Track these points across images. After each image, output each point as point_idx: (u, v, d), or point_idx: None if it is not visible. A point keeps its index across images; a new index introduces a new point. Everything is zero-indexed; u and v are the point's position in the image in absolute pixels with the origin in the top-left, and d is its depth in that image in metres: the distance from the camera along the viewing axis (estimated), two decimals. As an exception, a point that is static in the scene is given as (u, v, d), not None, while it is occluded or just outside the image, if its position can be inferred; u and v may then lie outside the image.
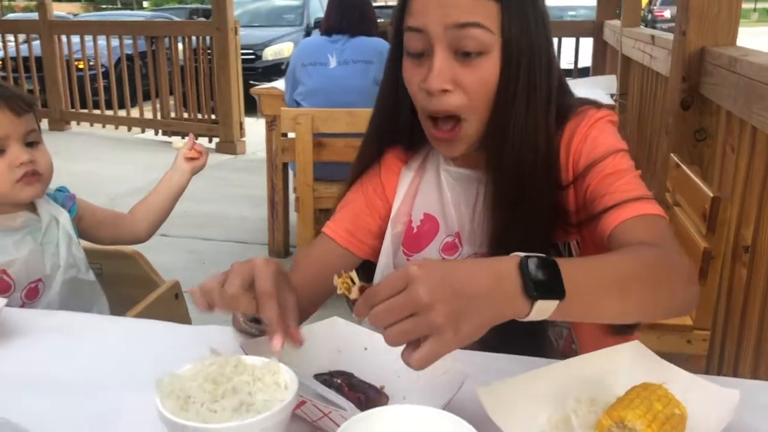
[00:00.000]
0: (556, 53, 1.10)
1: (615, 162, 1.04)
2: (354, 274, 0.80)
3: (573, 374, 0.87)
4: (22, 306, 1.38)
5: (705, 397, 0.81)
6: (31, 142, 1.40)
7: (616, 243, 0.98)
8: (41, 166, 1.40)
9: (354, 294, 0.78)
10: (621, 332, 1.10)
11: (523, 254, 0.76)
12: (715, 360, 2.23)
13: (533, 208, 1.05)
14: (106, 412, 0.90)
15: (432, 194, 1.20)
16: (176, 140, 1.83)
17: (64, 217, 1.46)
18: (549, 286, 0.74)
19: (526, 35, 1.01)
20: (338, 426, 0.77)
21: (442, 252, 1.19)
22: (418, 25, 1.01)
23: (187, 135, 6.02)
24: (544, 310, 0.74)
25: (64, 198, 1.51)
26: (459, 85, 1.01)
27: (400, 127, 1.17)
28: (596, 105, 1.12)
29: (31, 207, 1.44)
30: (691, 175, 2.00)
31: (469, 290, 0.72)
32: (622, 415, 0.74)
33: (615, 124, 1.11)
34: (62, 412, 0.90)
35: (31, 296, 1.41)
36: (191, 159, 1.66)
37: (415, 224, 1.21)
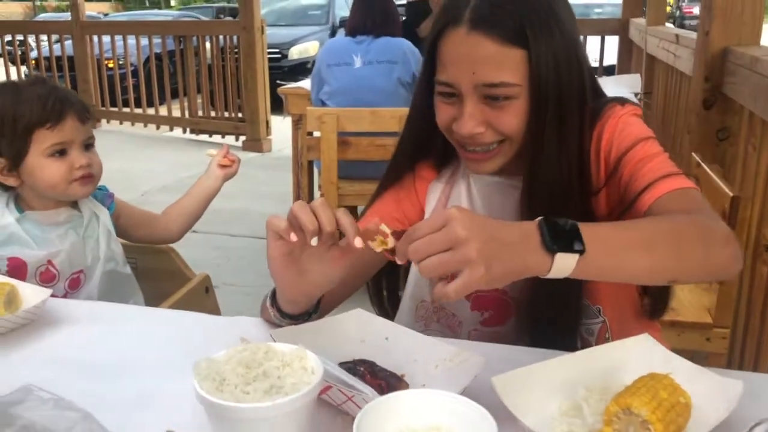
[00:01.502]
0: (588, 70, 1.12)
1: (644, 149, 1.07)
2: (385, 227, 0.88)
3: (584, 365, 0.91)
4: (65, 295, 1.48)
5: (709, 387, 0.85)
6: (87, 146, 1.50)
7: None
8: (95, 168, 1.50)
9: (391, 243, 0.87)
10: (653, 313, 1.18)
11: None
12: (736, 358, 2.24)
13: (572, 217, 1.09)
14: (143, 394, 0.96)
15: (463, 199, 1.23)
16: (210, 150, 1.92)
17: (105, 214, 1.56)
18: (567, 241, 0.80)
19: (554, 72, 1.04)
20: (360, 409, 0.82)
21: None
22: (449, 81, 1.07)
23: (214, 133, 6.05)
24: (564, 264, 0.80)
25: (104, 196, 1.60)
26: (490, 125, 1.06)
27: (432, 145, 1.22)
28: (621, 102, 1.14)
29: (74, 204, 1.53)
30: (712, 175, 2.02)
31: (501, 236, 0.79)
32: (628, 402, 0.78)
33: (639, 116, 1.13)
34: (106, 392, 0.97)
35: (74, 286, 1.50)
36: (224, 166, 1.74)
37: None
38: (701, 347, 2.00)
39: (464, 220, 0.78)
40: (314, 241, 0.94)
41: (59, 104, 1.43)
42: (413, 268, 1.25)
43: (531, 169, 1.09)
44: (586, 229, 0.82)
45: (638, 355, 0.92)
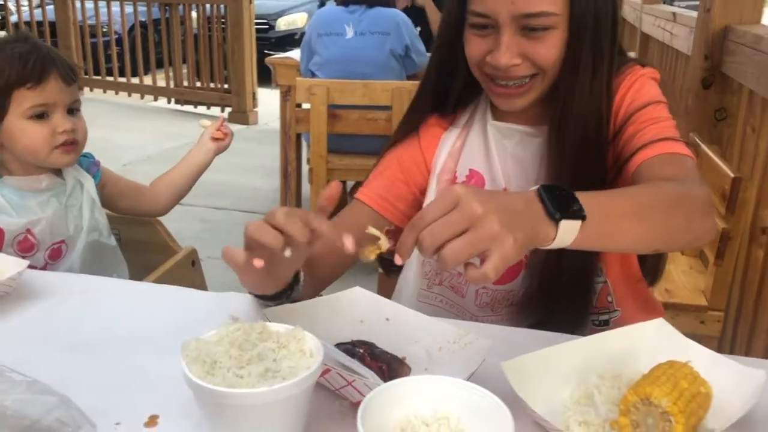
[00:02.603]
0: (619, 17, 1.12)
1: (654, 111, 1.07)
2: (373, 230, 0.79)
3: (596, 350, 0.87)
4: (45, 266, 1.41)
5: (730, 377, 0.81)
6: (72, 110, 1.42)
7: (639, 179, 1.01)
8: (79, 134, 1.42)
9: (385, 245, 0.78)
10: (649, 278, 1.22)
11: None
12: (728, 341, 2.22)
13: (590, 166, 1.07)
14: (126, 375, 0.90)
15: (479, 150, 1.20)
16: (204, 120, 1.86)
17: (90, 182, 1.49)
18: (568, 208, 0.77)
19: (593, 9, 1.04)
20: (361, 394, 0.77)
21: None
22: (485, 12, 1.04)
23: (199, 104, 5.95)
24: (569, 230, 0.77)
25: (89, 164, 1.53)
26: (527, 57, 1.04)
27: (451, 91, 1.19)
28: (641, 63, 1.14)
29: (56, 170, 1.46)
30: (712, 155, 1.98)
31: (511, 206, 0.75)
32: (648, 392, 0.73)
33: (657, 81, 1.13)
34: (86, 372, 0.91)
35: (54, 256, 1.43)
36: (217, 139, 1.68)
37: (460, 179, 1.21)
38: (695, 330, 1.98)
39: (475, 195, 0.73)
40: (288, 252, 0.81)
41: (41, 63, 1.34)
42: None
43: (563, 107, 1.07)
44: (584, 197, 0.79)
45: (653, 341, 0.88)
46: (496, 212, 0.71)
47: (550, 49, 1.04)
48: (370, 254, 0.79)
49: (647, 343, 0.88)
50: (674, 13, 3.32)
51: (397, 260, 0.75)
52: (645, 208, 0.87)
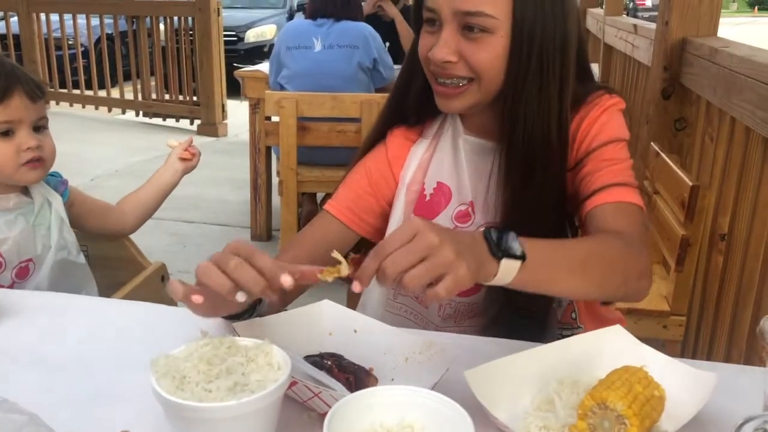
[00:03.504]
0: (579, 36, 1.12)
1: (613, 150, 1.10)
2: (337, 254, 0.82)
3: (556, 357, 0.90)
4: (12, 285, 1.40)
5: (683, 380, 0.84)
6: (39, 127, 1.42)
7: (591, 224, 1.06)
8: (46, 152, 1.42)
9: (345, 270, 0.80)
10: (605, 303, 1.25)
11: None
12: (690, 345, 2.28)
13: (542, 185, 1.09)
14: (99, 390, 0.91)
15: (447, 163, 1.22)
16: (171, 140, 1.84)
17: (57, 201, 1.48)
18: (510, 249, 0.83)
19: (540, 19, 1.04)
20: (328, 405, 0.79)
21: (455, 220, 1.21)
22: (432, 6, 1.07)
23: (168, 117, 5.90)
24: (509, 269, 0.83)
25: (57, 183, 1.52)
26: (463, 57, 1.06)
27: (413, 98, 1.21)
28: (609, 91, 1.16)
29: (24, 189, 1.45)
30: (671, 164, 2.04)
31: (461, 240, 0.81)
32: (604, 396, 0.76)
33: (623, 112, 1.16)
34: (55, 390, 0.91)
35: (22, 275, 1.42)
36: (184, 159, 1.68)
37: (428, 192, 1.23)
38: (658, 335, 2.03)
39: (432, 227, 0.79)
40: (241, 297, 0.80)
41: (5, 80, 1.34)
42: (388, 233, 1.22)
43: (509, 117, 1.08)
44: (526, 242, 0.85)
45: (610, 346, 0.91)
46: (450, 242, 0.77)
47: (486, 53, 1.05)
48: (328, 276, 0.81)
49: (605, 349, 0.91)
50: (635, 25, 3.40)
51: (355, 287, 0.79)
52: (586, 262, 0.93)
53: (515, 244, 0.84)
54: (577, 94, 1.12)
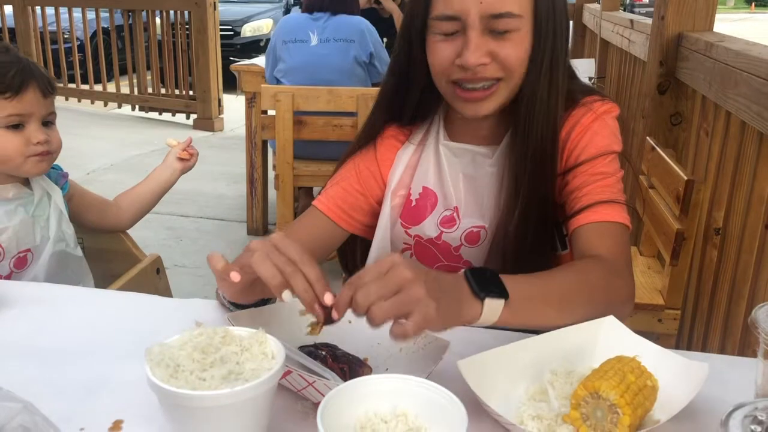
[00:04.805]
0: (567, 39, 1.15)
1: (602, 163, 1.11)
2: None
3: (550, 347, 0.90)
4: (10, 275, 1.41)
5: (675, 370, 0.84)
6: (47, 122, 1.44)
7: (575, 244, 1.08)
8: (53, 146, 1.44)
9: (319, 326, 0.82)
10: None
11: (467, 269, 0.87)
12: (685, 338, 2.29)
13: (535, 188, 1.10)
14: (93, 380, 0.91)
15: (431, 169, 1.22)
16: (170, 139, 1.86)
17: (57, 194, 1.50)
18: (492, 288, 0.85)
19: (552, 15, 1.07)
20: (322, 394, 0.79)
21: (441, 225, 1.21)
22: (452, 14, 1.05)
23: (164, 111, 5.87)
24: (493, 308, 0.84)
25: (57, 175, 1.54)
26: (495, 57, 1.06)
27: (407, 102, 1.20)
28: (601, 96, 1.16)
29: (24, 180, 1.46)
30: (666, 158, 2.04)
31: (440, 280, 0.81)
32: (596, 386, 0.77)
33: (617, 119, 1.16)
34: (50, 379, 0.91)
35: (20, 265, 1.43)
36: (182, 159, 1.70)
37: (413, 197, 1.23)
38: (653, 328, 2.03)
39: (409, 264, 0.79)
40: (287, 296, 0.81)
41: (20, 75, 1.36)
42: (376, 238, 1.23)
43: (527, 108, 1.09)
44: (508, 281, 0.87)
45: (603, 337, 0.92)
46: (425, 280, 0.78)
47: (516, 50, 1.06)
48: (315, 331, 0.83)
49: (598, 339, 0.92)
50: (632, 20, 3.40)
51: (334, 315, 0.80)
52: (568, 295, 0.95)
53: (497, 282, 0.85)
54: (572, 92, 1.13)
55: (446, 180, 1.20)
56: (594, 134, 1.12)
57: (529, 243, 1.12)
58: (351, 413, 0.72)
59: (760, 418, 0.61)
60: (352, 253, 1.34)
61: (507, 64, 1.06)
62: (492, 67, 1.07)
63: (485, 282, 0.85)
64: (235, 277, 0.83)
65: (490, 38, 1.06)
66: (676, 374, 0.84)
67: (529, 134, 1.10)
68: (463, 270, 0.86)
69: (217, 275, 0.89)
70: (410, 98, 1.19)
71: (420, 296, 0.76)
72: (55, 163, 1.51)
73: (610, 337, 0.91)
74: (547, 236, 1.14)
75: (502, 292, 0.85)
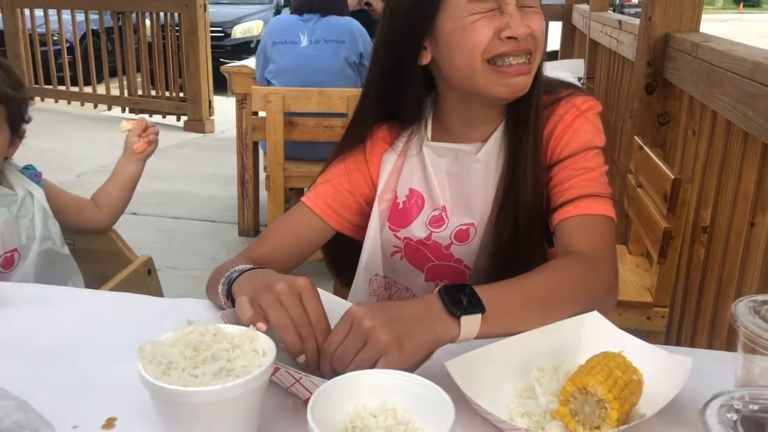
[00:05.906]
0: None
1: (585, 158, 1.12)
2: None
3: (536, 345, 0.91)
4: (-3, 275, 1.40)
5: (660, 364, 0.86)
6: None
7: (559, 237, 1.09)
8: None
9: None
10: None
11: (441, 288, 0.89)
12: (673, 335, 2.31)
13: (525, 181, 1.12)
14: (86, 379, 0.92)
15: (416, 170, 1.22)
16: (124, 123, 1.69)
17: (39, 193, 1.49)
18: (467, 304, 0.86)
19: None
20: (308, 391, 0.81)
21: (429, 225, 1.22)
22: None
23: (154, 113, 5.82)
24: (471, 325, 0.86)
25: (30, 176, 1.52)
26: (531, 29, 1.08)
27: (400, 102, 1.20)
28: (580, 91, 1.18)
29: (6, 182, 1.45)
30: (654, 158, 2.06)
31: (403, 314, 0.85)
32: (584, 382, 0.78)
33: (599, 115, 1.17)
34: (42, 378, 0.92)
35: (7, 265, 1.43)
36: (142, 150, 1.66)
37: (400, 200, 1.24)
38: (642, 326, 2.05)
39: (365, 312, 0.83)
40: (301, 359, 0.87)
41: None
42: (366, 243, 1.24)
43: (525, 110, 1.12)
44: (485, 293, 0.88)
45: (587, 333, 0.93)
46: (383, 325, 0.82)
47: (541, 23, 1.09)
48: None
49: (584, 335, 0.93)
50: (620, 21, 3.43)
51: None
52: (548, 299, 0.96)
53: (472, 298, 0.87)
54: (550, 83, 1.16)
55: (432, 180, 1.20)
56: (576, 131, 1.13)
57: (520, 238, 1.13)
58: (341, 408, 0.73)
59: (736, 406, 0.62)
60: (342, 259, 1.34)
61: (537, 36, 1.09)
62: (529, 39, 1.08)
63: (459, 299, 0.86)
64: (262, 327, 0.86)
65: (522, 13, 1.08)
66: (660, 368, 0.85)
67: (526, 124, 1.12)
68: (437, 289, 0.88)
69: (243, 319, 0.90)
70: (404, 97, 1.19)
71: (381, 344, 0.81)
72: (39, 165, 1.51)
73: (594, 333, 0.93)
74: (537, 231, 1.15)
75: (477, 307, 0.86)
